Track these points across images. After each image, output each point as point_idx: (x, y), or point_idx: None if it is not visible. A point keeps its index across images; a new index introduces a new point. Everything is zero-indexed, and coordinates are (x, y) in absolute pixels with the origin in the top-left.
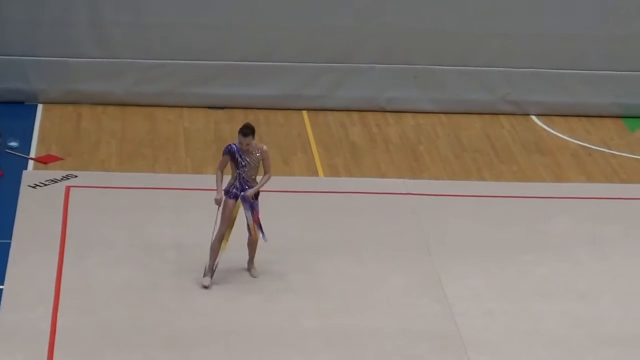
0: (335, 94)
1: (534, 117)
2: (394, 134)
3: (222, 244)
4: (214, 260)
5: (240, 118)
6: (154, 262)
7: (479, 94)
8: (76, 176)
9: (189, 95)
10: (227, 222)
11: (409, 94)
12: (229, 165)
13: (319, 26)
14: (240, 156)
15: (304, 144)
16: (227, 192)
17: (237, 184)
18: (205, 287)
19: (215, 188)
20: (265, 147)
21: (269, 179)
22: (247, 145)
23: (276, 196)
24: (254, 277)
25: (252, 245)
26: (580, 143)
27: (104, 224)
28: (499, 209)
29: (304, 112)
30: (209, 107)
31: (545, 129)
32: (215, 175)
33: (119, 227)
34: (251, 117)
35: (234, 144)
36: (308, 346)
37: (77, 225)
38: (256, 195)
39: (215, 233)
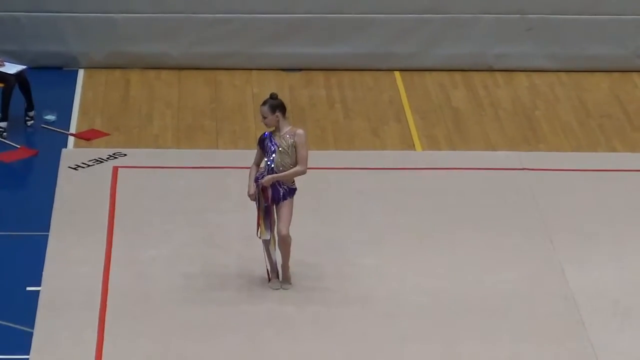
0: (433, 51)
1: None
2: (504, 97)
3: (270, 241)
4: (273, 260)
5: (320, 81)
6: (218, 257)
7: (607, 48)
8: (125, 155)
9: (259, 56)
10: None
11: (522, 49)
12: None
13: None
14: (271, 141)
15: (397, 112)
16: (255, 180)
17: (265, 173)
18: (277, 289)
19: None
20: (300, 131)
21: (297, 172)
22: (264, 118)
23: (364, 175)
24: (285, 289)
25: (281, 246)
26: None
27: (158, 211)
28: (633, 185)
29: (397, 73)
30: (283, 70)
31: None
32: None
33: (177, 215)
34: (333, 81)
35: (269, 132)
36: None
37: (126, 214)
38: (290, 190)
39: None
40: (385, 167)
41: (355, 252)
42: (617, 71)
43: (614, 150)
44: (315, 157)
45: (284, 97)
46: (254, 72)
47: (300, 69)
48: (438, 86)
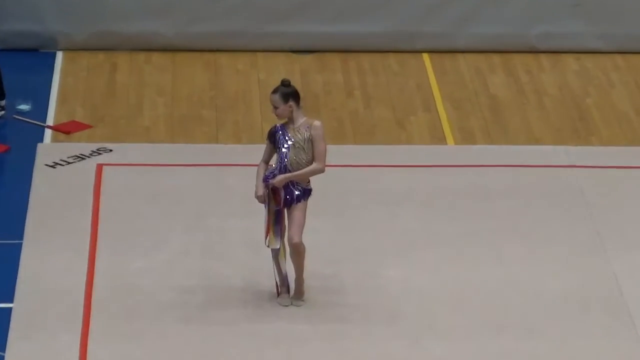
0: (467, 30)
1: None
2: (550, 83)
3: (280, 250)
4: (283, 273)
5: (337, 65)
6: (218, 269)
7: None
8: (111, 150)
9: (266, 36)
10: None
11: (570, 28)
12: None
13: None
14: (283, 135)
15: (426, 100)
16: (265, 179)
17: (277, 171)
18: (286, 306)
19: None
20: (317, 123)
21: (315, 170)
22: (275, 109)
23: (387, 173)
24: (296, 305)
25: (293, 256)
26: None
27: (149, 215)
28: None
29: (425, 55)
30: (293, 51)
31: None
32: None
33: (170, 220)
34: (352, 64)
35: (280, 124)
36: None
37: (112, 218)
38: (305, 192)
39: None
40: (412, 164)
41: (378, 263)
42: None
43: None
44: (331, 152)
45: (294, 83)
46: (259, 54)
47: (313, 51)
48: (473, 70)
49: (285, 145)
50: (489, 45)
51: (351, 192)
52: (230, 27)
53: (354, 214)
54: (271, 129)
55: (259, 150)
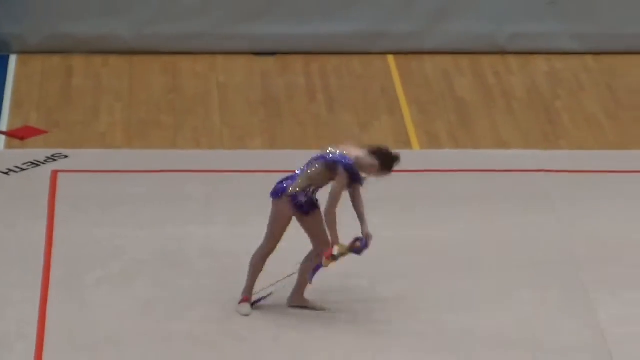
0: (434, 30)
1: None
2: (519, 85)
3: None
4: (253, 281)
5: (299, 67)
6: (177, 278)
7: None
8: (66, 156)
9: (225, 38)
10: (279, 239)
11: (541, 28)
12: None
13: None
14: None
15: (391, 103)
16: (294, 197)
17: (310, 192)
18: (246, 316)
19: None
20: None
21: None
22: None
23: None
24: (321, 309)
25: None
26: None
27: (106, 222)
28: None
29: (390, 57)
30: (254, 53)
31: None
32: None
33: (128, 228)
34: (315, 67)
35: (348, 160)
36: None
37: (68, 227)
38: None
39: (261, 246)
40: None
41: (343, 270)
42: None
43: None
44: (293, 158)
45: (255, 85)
46: (219, 56)
47: (274, 53)
48: (440, 72)
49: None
50: (457, 47)
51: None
52: (189, 29)
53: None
54: (347, 165)
55: (218, 155)
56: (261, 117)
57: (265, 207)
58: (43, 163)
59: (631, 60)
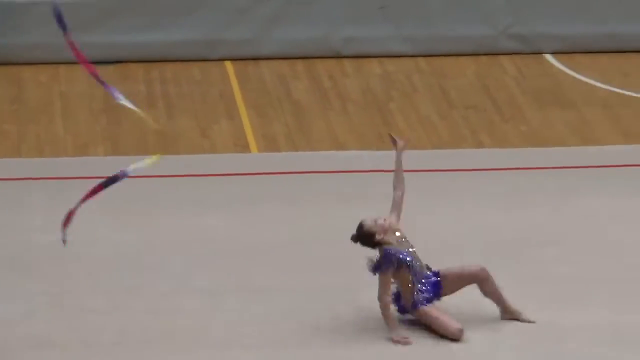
0: (270, 35)
1: (548, 56)
2: (354, 87)
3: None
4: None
5: (139, 75)
6: (23, 282)
7: (472, 28)
8: None
9: (67, 47)
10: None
11: (374, 32)
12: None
13: None
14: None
15: (229, 107)
16: (414, 305)
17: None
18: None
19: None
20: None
21: None
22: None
23: (195, 182)
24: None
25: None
26: (614, 89)
27: None
28: (505, 186)
29: (228, 63)
30: (95, 62)
31: (564, 72)
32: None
33: None
34: (155, 74)
35: (393, 250)
36: None
37: None
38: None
39: None
40: (215, 172)
41: (185, 274)
42: (485, 54)
43: (481, 145)
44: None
45: (95, 94)
46: (61, 66)
47: (114, 62)
48: (276, 77)
49: (409, 258)
50: (293, 52)
51: (156, 202)
52: (31, 39)
53: (161, 223)
54: (391, 255)
55: (63, 163)
56: (103, 125)
57: (109, 211)
58: None
59: (461, 61)
